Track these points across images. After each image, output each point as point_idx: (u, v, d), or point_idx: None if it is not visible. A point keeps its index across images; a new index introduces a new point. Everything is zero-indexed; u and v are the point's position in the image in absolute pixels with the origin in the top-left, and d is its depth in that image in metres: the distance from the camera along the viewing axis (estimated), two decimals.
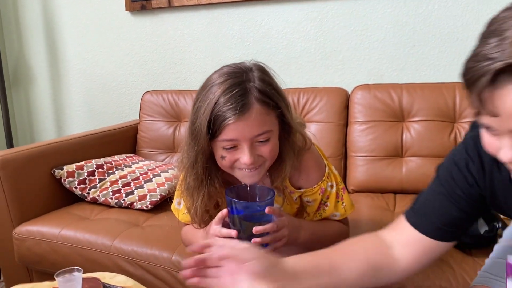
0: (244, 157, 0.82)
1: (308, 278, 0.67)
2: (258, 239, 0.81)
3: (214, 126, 0.81)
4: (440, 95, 1.44)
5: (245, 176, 0.86)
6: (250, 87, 0.81)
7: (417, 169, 1.43)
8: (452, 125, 1.42)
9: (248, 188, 0.88)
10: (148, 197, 1.39)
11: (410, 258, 0.71)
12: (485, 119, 0.56)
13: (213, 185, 0.90)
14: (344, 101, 1.57)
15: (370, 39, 1.65)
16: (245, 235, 0.82)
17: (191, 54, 1.91)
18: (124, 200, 1.39)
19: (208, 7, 1.84)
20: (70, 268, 0.84)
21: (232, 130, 0.80)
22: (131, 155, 1.68)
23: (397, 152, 1.46)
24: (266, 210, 0.81)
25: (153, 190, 1.40)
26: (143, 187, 1.42)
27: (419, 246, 0.71)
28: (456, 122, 1.43)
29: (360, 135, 1.51)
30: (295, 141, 0.89)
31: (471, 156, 0.69)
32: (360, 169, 1.49)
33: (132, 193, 1.40)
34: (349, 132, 1.54)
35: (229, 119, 0.79)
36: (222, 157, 0.84)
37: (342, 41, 1.68)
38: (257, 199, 0.88)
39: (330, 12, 1.68)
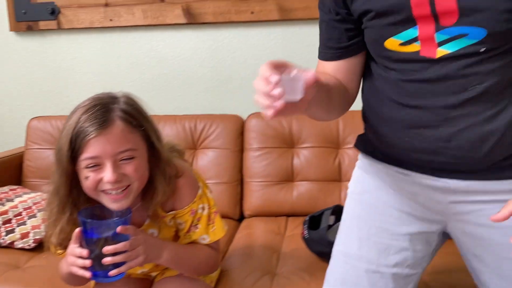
0: (107, 174, 0.82)
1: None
2: (109, 259, 0.82)
3: (76, 144, 0.82)
4: (326, 123, 1.55)
5: (111, 201, 0.85)
6: (114, 107, 0.84)
7: (306, 192, 1.51)
8: (336, 151, 1.53)
9: (106, 209, 0.88)
10: (31, 234, 1.30)
11: (345, 80, 0.86)
12: None
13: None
14: (239, 128, 1.61)
15: None
16: (95, 254, 0.82)
17: (83, 77, 1.84)
18: (3, 239, 1.29)
19: (101, 30, 1.79)
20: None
21: (93, 146, 0.81)
22: (16, 187, 1.56)
23: (289, 177, 1.54)
24: (118, 229, 0.82)
25: (37, 226, 1.32)
26: (26, 224, 1.32)
27: (343, 70, 0.85)
28: (340, 148, 1.54)
29: (255, 161, 1.56)
30: (165, 168, 0.91)
31: None
32: (255, 194, 1.54)
33: (13, 231, 1.30)
34: (244, 158, 1.58)
35: (90, 134, 0.81)
36: (86, 178, 0.84)
37: (237, 69, 1.73)
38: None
39: (226, 40, 1.72)
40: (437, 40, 0.71)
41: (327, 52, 0.87)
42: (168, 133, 1.62)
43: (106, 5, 1.74)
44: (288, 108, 0.63)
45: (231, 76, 1.74)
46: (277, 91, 0.61)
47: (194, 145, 1.62)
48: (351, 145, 1.47)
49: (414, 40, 0.73)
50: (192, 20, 1.69)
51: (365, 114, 0.89)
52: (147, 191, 0.90)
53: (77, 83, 1.84)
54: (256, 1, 1.65)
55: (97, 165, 0.83)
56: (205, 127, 1.62)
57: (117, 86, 1.84)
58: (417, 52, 0.73)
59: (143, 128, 0.87)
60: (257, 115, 1.60)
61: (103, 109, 0.83)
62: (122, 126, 0.83)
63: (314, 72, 0.64)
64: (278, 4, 1.64)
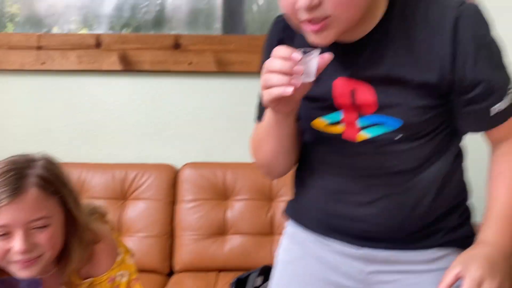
0: (16, 243, 0.77)
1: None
2: None
3: None
4: (260, 175, 1.54)
5: (20, 269, 0.80)
6: (29, 172, 0.81)
7: (239, 246, 1.49)
8: (269, 204, 1.53)
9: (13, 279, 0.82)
10: None
11: None
12: None
13: None
14: (173, 178, 1.58)
15: (201, 117, 1.71)
16: None
17: (9, 121, 1.74)
18: None
19: (33, 73, 1.72)
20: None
21: (3, 213, 0.77)
22: None
23: (221, 230, 1.51)
24: None
25: None
26: None
27: None
28: (273, 201, 1.54)
29: (187, 214, 1.52)
30: (82, 234, 0.86)
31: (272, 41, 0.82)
32: (186, 248, 1.49)
33: None
34: (176, 210, 1.54)
35: (1, 201, 0.77)
36: None
37: (173, 117, 1.71)
38: None
39: (162, 89, 1.71)
40: (359, 125, 0.77)
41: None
42: (97, 183, 1.56)
43: (39, 48, 1.69)
44: (290, 97, 0.68)
45: (166, 124, 1.71)
46: (299, 68, 0.66)
47: (124, 195, 1.56)
48: (284, 198, 1.48)
49: (339, 122, 0.78)
50: (129, 68, 1.67)
51: (294, 179, 0.91)
52: (62, 258, 0.86)
53: (4, 126, 1.74)
54: (194, 52, 1.66)
55: (6, 234, 0.78)
56: (136, 176, 1.58)
57: (47, 131, 1.79)
58: (341, 134, 0.79)
59: (60, 195, 0.83)
60: (191, 165, 1.58)
61: (17, 175, 0.79)
62: (37, 193, 0.80)
63: (331, 54, 0.69)
64: (216, 56, 1.66)
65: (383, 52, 0.74)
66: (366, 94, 0.75)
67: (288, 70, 0.66)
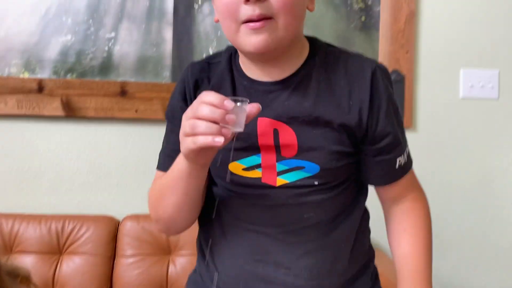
0: None
1: None
2: None
3: None
4: None
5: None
6: None
7: None
8: None
9: None
10: None
11: None
12: None
13: None
14: (113, 231, 1.51)
15: (145, 166, 1.65)
16: None
17: None
18: None
19: None
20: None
21: None
22: None
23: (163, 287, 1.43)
24: None
25: None
26: None
27: None
28: None
29: (127, 269, 1.44)
30: None
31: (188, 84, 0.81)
32: None
33: None
34: (115, 265, 1.46)
35: None
36: None
37: (116, 166, 1.65)
38: None
39: (106, 136, 1.66)
40: (277, 169, 0.77)
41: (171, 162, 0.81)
42: (30, 236, 1.46)
43: None
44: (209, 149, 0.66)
45: (109, 173, 1.65)
46: (230, 117, 0.63)
47: (60, 250, 1.47)
48: None
49: (257, 166, 0.77)
50: (72, 114, 1.61)
51: (200, 242, 0.86)
52: None
53: None
54: (141, 99, 1.63)
55: None
56: (74, 229, 1.49)
57: None
58: (259, 179, 0.77)
59: None
60: (132, 217, 1.52)
61: None
62: None
63: (259, 105, 0.67)
64: (164, 104, 1.63)
65: (305, 93, 0.76)
66: (287, 135, 0.75)
67: (219, 118, 0.62)
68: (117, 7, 1.62)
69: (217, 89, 0.75)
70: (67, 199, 1.64)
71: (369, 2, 1.68)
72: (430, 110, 1.72)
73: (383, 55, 1.67)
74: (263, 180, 0.77)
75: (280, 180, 0.76)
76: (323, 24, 1.66)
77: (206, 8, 1.65)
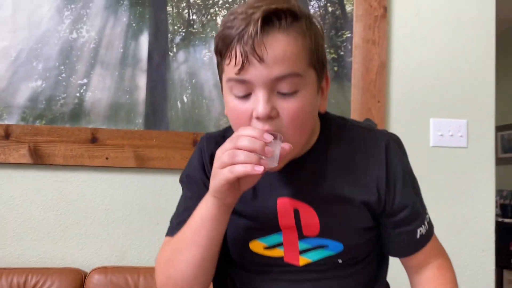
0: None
1: None
2: None
3: None
4: None
5: None
6: None
7: None
8: None
9: None
10: None
11: None
12: (244, 75, 0.64)
13: None
14: (79, 285, 1.44)
15: (114, 215, 1.61)
16: None
17: None
18: None
19: None
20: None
21: None
22: None
23: None
24: None
25: None
26: None
27: None
28: None
29: None
30: None
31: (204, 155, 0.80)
32: None
33: None
34: None
35: None
36: None
37: (85, 215, 1.60)
38: None
39: (75, 184, 1.61)
40: (300, 248, 0.76)
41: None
42: None
43: None
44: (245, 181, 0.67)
45: (76, 223, 1.59)
46: (269, 149, 0.64)
47: None
48: None
49: (278, 245, 0.76)
50: (39, 161, 1.57)
51: None
52: None
53: None
54: (112, 147, 1.60)
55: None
56: (37, 283, 1.42)
57: None
58: (281, 258, 0.76)
59: None
60: (100, 270, 1.46)
61: None
62: None
63: (290, 145, 0.67)
64: (135, 152, 1.61)
65: (323, 172, 0.76)
66: (309, 215, 0.74)
67: (259, 148, 0.63)
68: (90, 54, 1.61)
69: None
70: (30, 250, 1.57)
71: (341, 53, 1.72)
72: None
73: (355, 105, 1.70)
74: (285, 259, 0.76)
75: (303, 259, 0.76)
76: None
77: (181, 56, 1.65)
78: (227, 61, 0.67)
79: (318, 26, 0.71)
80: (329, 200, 0.75)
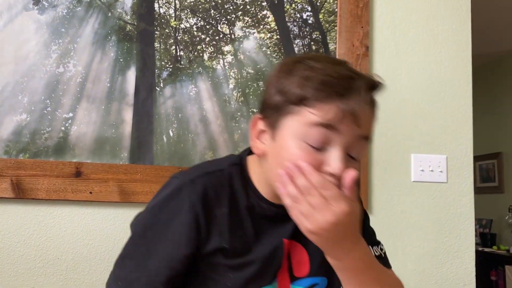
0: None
1: None
2: None
3: None
4: None
5: None
6: None
7: None
8: None
9: None
10: None
11: None
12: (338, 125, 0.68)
13: None
14: None
15: (97, 249, 1.59)
16: None
17: None
18: None
19: None
20: None
21: None
22: None
23: None
24: None
25: None
26: None
27: None
28: None
29: None
30: None
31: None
32: None
33: None
34: None
35: None
36: None
37: (67, 249, 1.58)
38: None
39: (59, 218, 1.59)
40: None
41: None
42: None
43: None
44: None
45: (58, 259, 1.56)
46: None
47: None
48: None
49: None
50: (22, 195, 1.55)
51: None
52: None
53: None
54: (96, 181, 1.59)
55: None
56: None
57: None
58: None
59: None
60: None
61: None
62: None
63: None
64: (120, 186, 1.60)
65: None
66: (300, 254, 0.77)
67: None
68: (77, 88, 1.61)
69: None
70: (13, 284, 1.53)
71: None
72: (385, 194, 1.78)
73: None
74: None
75: None
76: None
77: (167, 90, 1.67)
78: (317, 106, 0.68)
79: None
80: None
